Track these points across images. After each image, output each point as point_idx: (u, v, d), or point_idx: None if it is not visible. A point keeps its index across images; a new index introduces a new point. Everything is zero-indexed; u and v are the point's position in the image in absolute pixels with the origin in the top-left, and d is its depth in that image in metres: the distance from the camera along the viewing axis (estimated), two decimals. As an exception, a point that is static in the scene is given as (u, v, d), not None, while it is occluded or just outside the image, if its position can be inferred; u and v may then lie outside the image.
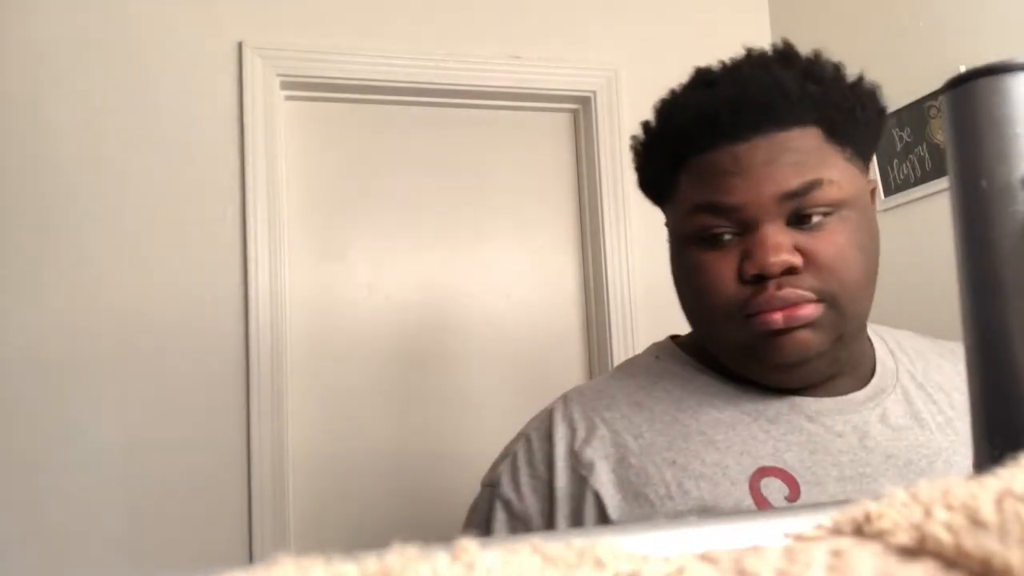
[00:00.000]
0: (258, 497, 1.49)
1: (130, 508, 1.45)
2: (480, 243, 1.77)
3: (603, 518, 0.67)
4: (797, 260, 0.63)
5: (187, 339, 1.52)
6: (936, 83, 1.38)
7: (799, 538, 0.15)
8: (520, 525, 0.69)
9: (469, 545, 0.14)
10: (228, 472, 1.50)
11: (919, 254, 1.51)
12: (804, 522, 0.16)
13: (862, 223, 0.66)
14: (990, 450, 0.24)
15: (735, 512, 0.63)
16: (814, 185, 0.63)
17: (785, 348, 0.64)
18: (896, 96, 1.56)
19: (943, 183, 1.47)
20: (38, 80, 1.51)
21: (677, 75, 0.72)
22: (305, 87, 1.67)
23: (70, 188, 1.50)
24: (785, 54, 0.68)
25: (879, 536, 0.14)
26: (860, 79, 0.68)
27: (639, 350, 1.95)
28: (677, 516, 0.63)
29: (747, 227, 0.64)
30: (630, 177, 1.79)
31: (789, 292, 0.63)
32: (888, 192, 1.60)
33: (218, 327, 1.53)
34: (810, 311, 0.63)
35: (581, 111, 1.84)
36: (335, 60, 1.65)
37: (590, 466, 0.68)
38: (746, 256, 0.64)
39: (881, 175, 1.61)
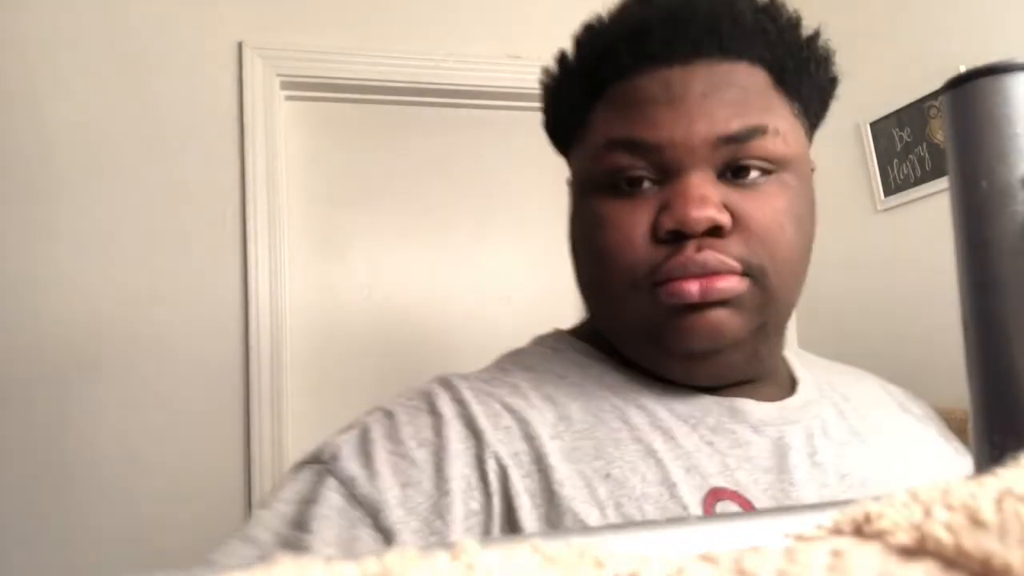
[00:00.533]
0: (258, 497, 1.49)
1: (130, 508, 1.45)
2: (480, 243, 1.77)
3: (513, 528, 0.48)
4: (725, 219, 0.51)
5: (187, 339, 1.52)
6: (936, 83, 1.38)
7: (799, 538, 0.15)
8: (359, 514, 0.47)
9: (469, 545, 0.14)
10: (228, 472, 1.50)
11: (919, 254, 1.51)
12: (804, 522, 0.16)
13: (804, 193, 0.55)
14: (990, 450, 0.24)
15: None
16: (757, 132, 0.52)
17: (696, 328, 0.51)
18: (896, 96, 1.56)
19: (943, 183, 1.47)
20: (38, 80, 1.51)
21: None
22: (305, 87, 1.67)
23: (70, 188, 1.50)
24: None
25: (879, 536, 0.14)
26: (816, 35, 0.57)
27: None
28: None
29: (669, 173, 0.52)
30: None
31: (710, 256, 0.50)
32: (888, 192, 1.60)
33: (218, 327, 1.53)
34: (732, 284, 0.51)
35: (581, 111, 1.84)
36: (335, 60, 1.65)
37: (497, 460, 0.50)
38: (664, 208, 0.52)
39: (881, 175, 1.61)
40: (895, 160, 1.58)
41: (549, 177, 1.86)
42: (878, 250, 1.63)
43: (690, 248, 0.51)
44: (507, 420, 0.53)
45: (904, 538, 0.14)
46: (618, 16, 0.57)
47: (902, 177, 1.57)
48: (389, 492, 0.48)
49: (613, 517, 0.48)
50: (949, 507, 0.14)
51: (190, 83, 1.58)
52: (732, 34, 0.53)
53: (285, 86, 1.66)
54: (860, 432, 0.60)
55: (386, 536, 0.47)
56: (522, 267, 1.79)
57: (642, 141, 0.52)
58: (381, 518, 0.47)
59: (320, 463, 0.51)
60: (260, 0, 1.64)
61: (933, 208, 1.49)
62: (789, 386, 0.62)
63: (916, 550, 0.14)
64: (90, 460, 1.44)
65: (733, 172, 0.53)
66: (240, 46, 1.61)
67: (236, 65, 1.60)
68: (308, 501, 0.49)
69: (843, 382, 0.66)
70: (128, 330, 1.49)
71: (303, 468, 0.52)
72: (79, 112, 1.52)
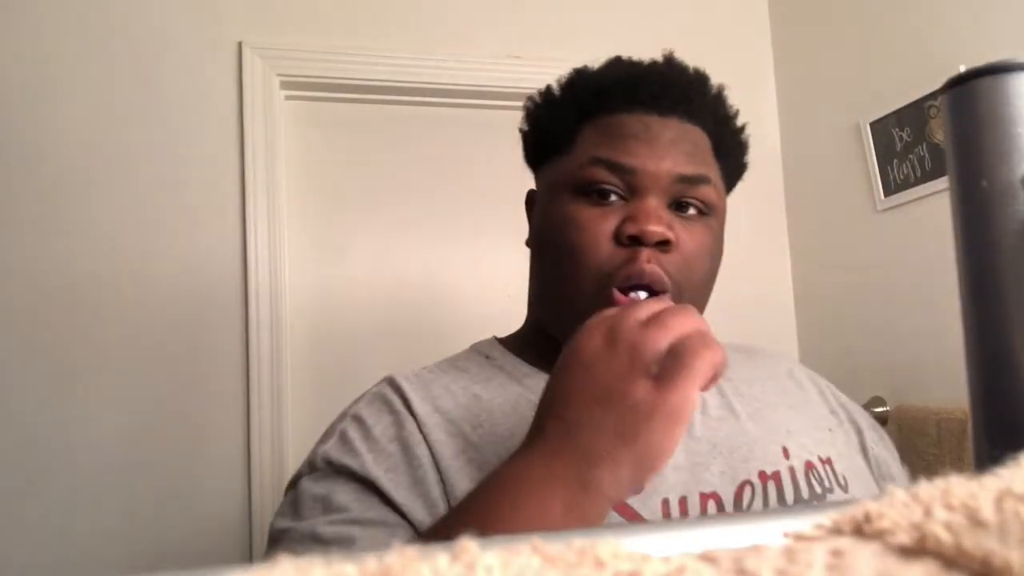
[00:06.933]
0: (258, 497, 1.49)
1: (129, 508, 1.45)
2: (479, 242, 1.77)
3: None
4: (673, 236, 0.65)
5: (187, 337, 1.52)
6: (936, 83, 1.38)
7: (799, 538, 0.15)
8: (366, 487, 0.63)
9: (469, 545, 0.14)
10: (228, 472, 1.50)
11: (919, 254, 1.51)
12: (804, 522, 0.16)
13: (720, 239, 0.71)
14: (990, 450, 0.24)
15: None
16: (703, 180, 0.67)
17: None
18: (896, 96, 1.56)
19: (943, 183, 1.47)
20: (38, 80, 1.51)
21: (677, 75, 0.73)
22: (305, 87, 1.67)
23: (70, 188, 1.50)
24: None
25: (879, 536, 0.14)
26: (736, 113, 0.75)
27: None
28: None
29: (635, 192, 0.66)
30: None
31: (656, 270, 0.64)
32: (888, 192, 1.60)
33: (218, 326, 1.53)
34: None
35: (581, 111, 1.84)
36: (335, 60, 1.65)
37: (440, 450, 0.63)
38: (628, 218, 0.65)
39: (881, 175, 1.61)
40: (895, 160, 1.58)
41: (549, 177, 1.86)
42: (878, 250, 1.63)
43: (643, 257, 0.64)
44: (437, 419, 0.66)
45: (904, 538, 0.14)
46: (610, 67, 0.74)
47: (902, 177, 1.57)
48: (377, 474, 0.63)
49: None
50: (949, 507, 0.14)
51: (190, 83, 1.58)
52: (696, 103, 0.70)
53: (285, 86, 1.66)
54: (736, 409, 0.72)
55: (383, 498, 0.62)
56: (521, 265, 1.78)
57: (620, 164, 0.66)
58: (381, 491, 0.62)
59: (317, 470, 0.66)
60: (260, 0, 1.64)
61: (933, 208, 1.49)
62: None
63: (916, 549, 0.14)
64: (89, 459, 1.44)
65: (678, 206, 0.68)
66: (240, 46, 1.61)
67: (236, 65, 1.60)
68: (328, 495, 0.63)
69: (732, 360, 0.72)
70: (128, 327, 1.49)
71: (302, 479, 0.67)
72: (79, 112, 1.52)
